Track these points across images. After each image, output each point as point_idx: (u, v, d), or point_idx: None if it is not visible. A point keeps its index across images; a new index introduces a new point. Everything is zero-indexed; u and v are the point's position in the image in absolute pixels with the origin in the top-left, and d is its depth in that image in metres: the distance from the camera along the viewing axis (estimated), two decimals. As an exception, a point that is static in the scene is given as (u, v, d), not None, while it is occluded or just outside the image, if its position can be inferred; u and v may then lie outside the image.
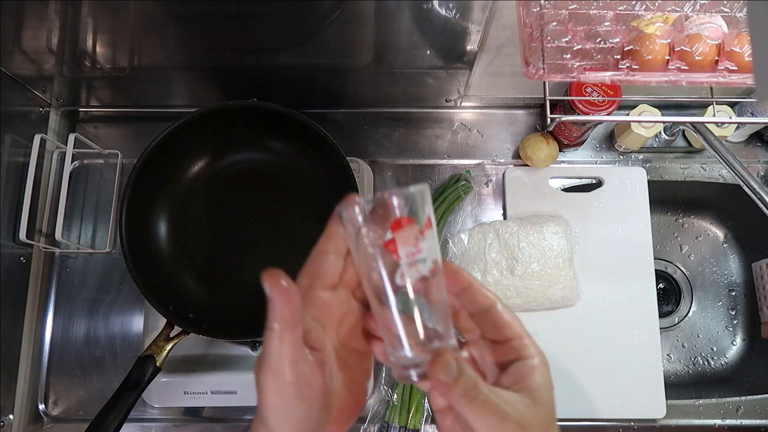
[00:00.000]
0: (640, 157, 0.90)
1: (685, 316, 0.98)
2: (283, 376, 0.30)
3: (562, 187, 0.89)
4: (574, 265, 0.82)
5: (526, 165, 0.88)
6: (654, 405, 0.80)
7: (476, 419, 0.31)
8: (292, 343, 0.31)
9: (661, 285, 0.99)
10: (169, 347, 0.69)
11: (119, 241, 0.70)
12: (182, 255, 0.77)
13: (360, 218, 0.33)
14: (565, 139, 0.87)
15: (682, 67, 0.57)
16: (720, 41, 0.57)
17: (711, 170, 0.90)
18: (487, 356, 0.36)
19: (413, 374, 0.33)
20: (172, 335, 0.70)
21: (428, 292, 0.33)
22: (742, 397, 0.83)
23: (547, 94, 0.61)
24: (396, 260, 0.32)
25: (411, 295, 0.33)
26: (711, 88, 0.64)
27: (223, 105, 0.73)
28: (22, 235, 0.75)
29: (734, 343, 0.97)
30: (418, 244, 0.32)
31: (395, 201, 0.32)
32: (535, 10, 0.58)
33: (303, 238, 0.77)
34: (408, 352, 0.33)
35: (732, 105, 0.85)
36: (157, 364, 0.68)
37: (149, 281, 0.69)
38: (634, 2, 0.58)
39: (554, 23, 0.57)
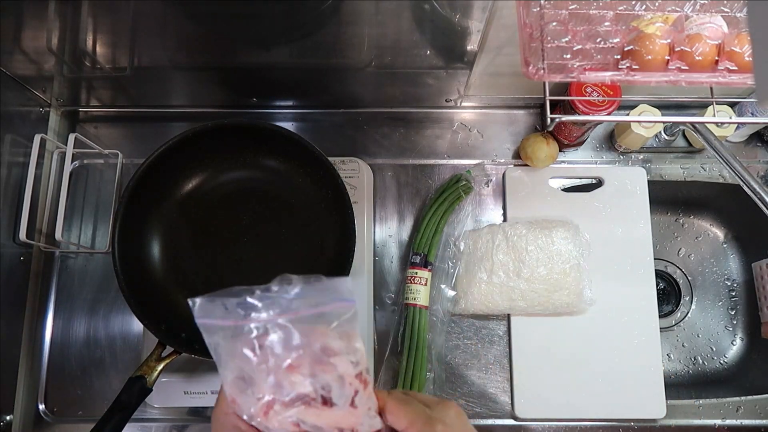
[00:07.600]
0: (640, 157, 0.90)
1: (685, 316, 0.98)
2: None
3: (562, 187, 0.89)
4: (582, 272, 0.82)
5: (526, 165, 0.88)
6: (654, 405, 0.80)
7: None
8: None
9: (661, 285, 0.99)
10: (160, 368, 0.67)
11: (112, 262, 0.68)
12: (175, 274, 0.76)
13: None
14: (565, 139, 0.87)
15: (682, 67, 0.57)
16: (720, 41, 0.57)
17: (711, 170, 0.90)
18: None
19: None
20: (163, 355, 0.68)
21: None
22: (742, 397, 0.83)
23: (547, 94, 0.61)
24: None
25: None
26: (711, 88, 0.63)
27: (217, 123, 0.72)
28: (22, 235, 0.75)
29: (734, 343, 0.97)
30: None
31: None
32: (535, 10, 0.58)
33: (297, 257, 0.76)
34: None
35: (732, 105, 0.85)
36: (148, 386, 0.66)
37: (141, 300, 0.68)
38: (634, 2, 0.58)
39: (554, 23, 0.57)
